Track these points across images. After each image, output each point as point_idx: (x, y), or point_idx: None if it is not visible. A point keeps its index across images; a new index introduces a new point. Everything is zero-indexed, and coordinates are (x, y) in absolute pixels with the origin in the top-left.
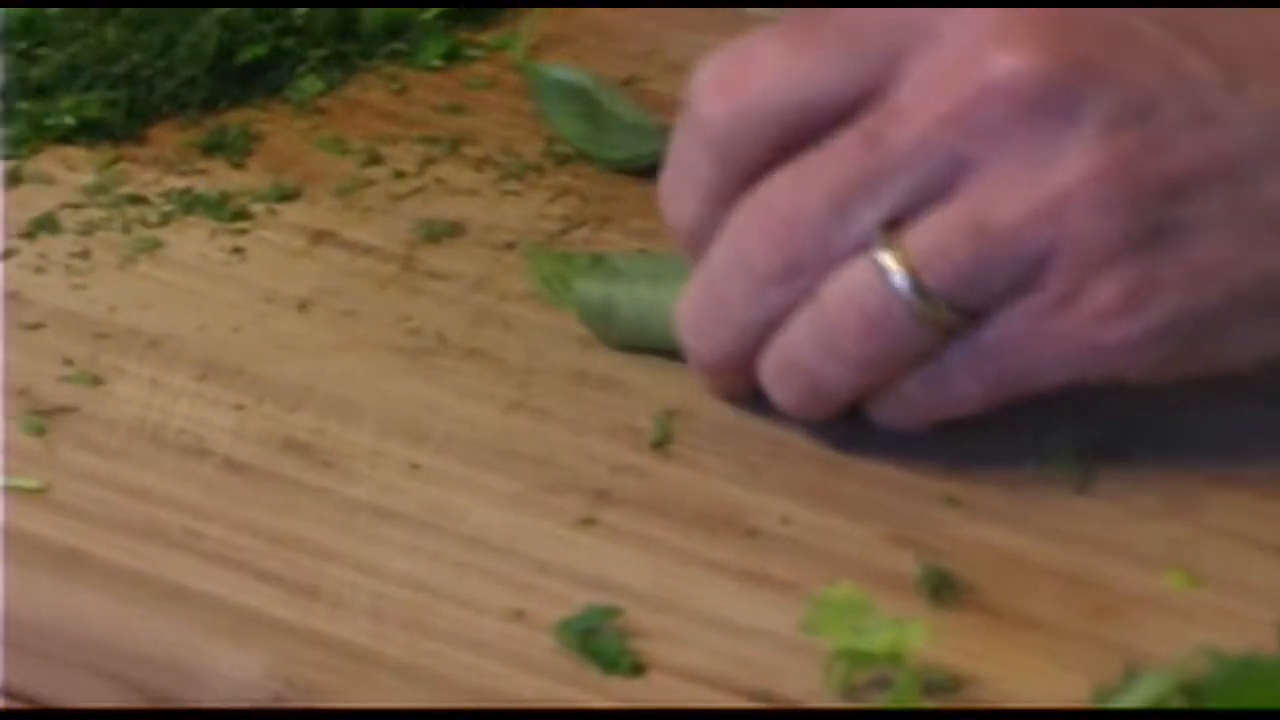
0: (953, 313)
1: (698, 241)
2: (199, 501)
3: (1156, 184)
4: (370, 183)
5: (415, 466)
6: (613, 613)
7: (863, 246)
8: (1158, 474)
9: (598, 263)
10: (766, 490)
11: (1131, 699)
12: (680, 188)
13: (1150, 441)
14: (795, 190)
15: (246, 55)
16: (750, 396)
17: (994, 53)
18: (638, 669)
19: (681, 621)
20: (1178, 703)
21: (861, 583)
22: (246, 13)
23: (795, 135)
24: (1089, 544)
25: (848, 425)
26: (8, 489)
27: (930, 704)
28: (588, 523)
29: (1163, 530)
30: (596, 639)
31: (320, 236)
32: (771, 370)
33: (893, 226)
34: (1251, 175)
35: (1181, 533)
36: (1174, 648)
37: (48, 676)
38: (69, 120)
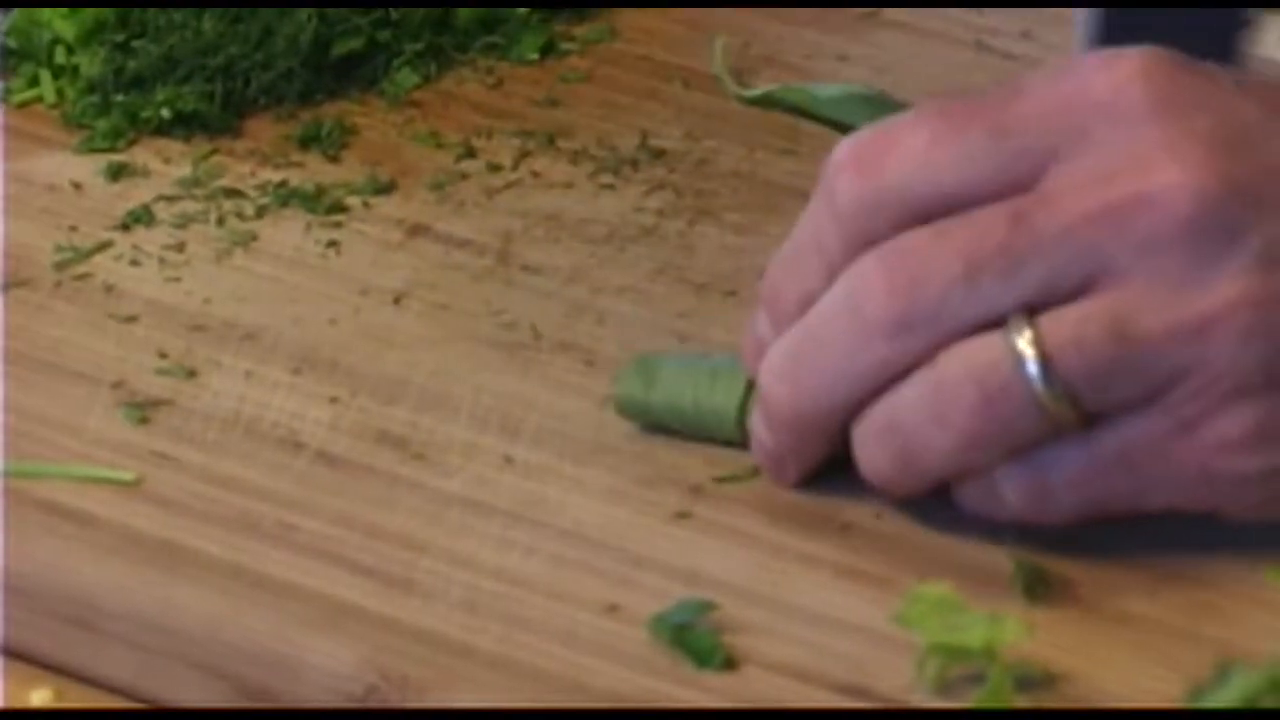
0: (1070, 407)
1: (806, 308)
2: (293, 494)
3: None
4: (465, 176)
5: (509, 460)
6: (706, 607)
7: (989, 322)
8: None
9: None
10: (860, 485)
11: (1224, 696)
12: (800, 258)
13: None
14: (929, 249)
15: (342, 48)
16: (813, 475)
17: (1159, 165)
18: (731, 663)
19: (775, 616)
20: (1271, 700)
21: (955, 578)
22: (343, 6)
23: (927, 220)
24: (1184, 539)
25: None
26: (102, 481)
27: (1023, 700)
28: (682, 516)
29: (1259, 524)
30: (690, 633)
31: (415, 230)
32: (869, 430)
33: (1026, 312)
34: None
35: (1277, 526)
36: (1271, 644)
37: (144, 668)
38: (165, 113)
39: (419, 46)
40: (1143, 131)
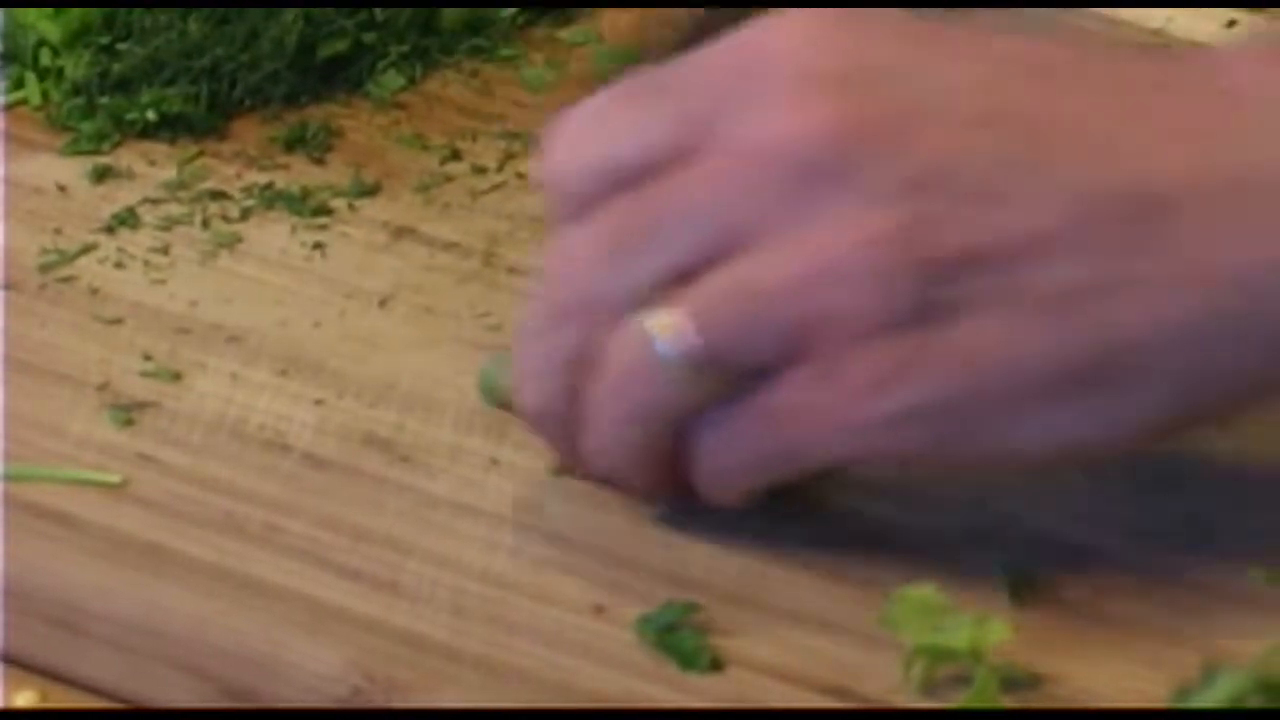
0: (713, 376)
1: None
2: (279, 497)
3: (923, 262)
4: (450, 178)
5: (495, 462)
6: (692, 608)
7: (634, 301)
8: (1238, 468)
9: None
10: (845, 486)
11: (1210, 697)
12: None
13: (1231, 435)
14: (578, 235)
15: (327, 51)
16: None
17: (777, 116)
18: (716, 665)
19: (760, 618)
20: (1257, 701)
21: (941, 579)
22: (328, 7)
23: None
24: (1169, 539)
25: None
26: (88, 484)
27: (1009, 701)
28: (667, 518)
29: (1244, 524)
30: (676, 635)
31: (400, 232)
32: (577, 429)
33: (671, 284)
34: (1029, 260)
35: (1263, 526)
36: (1257, 644)
37: (130, 670)
38: (150, 115)
39: (404, 49)
40: (774, 84)
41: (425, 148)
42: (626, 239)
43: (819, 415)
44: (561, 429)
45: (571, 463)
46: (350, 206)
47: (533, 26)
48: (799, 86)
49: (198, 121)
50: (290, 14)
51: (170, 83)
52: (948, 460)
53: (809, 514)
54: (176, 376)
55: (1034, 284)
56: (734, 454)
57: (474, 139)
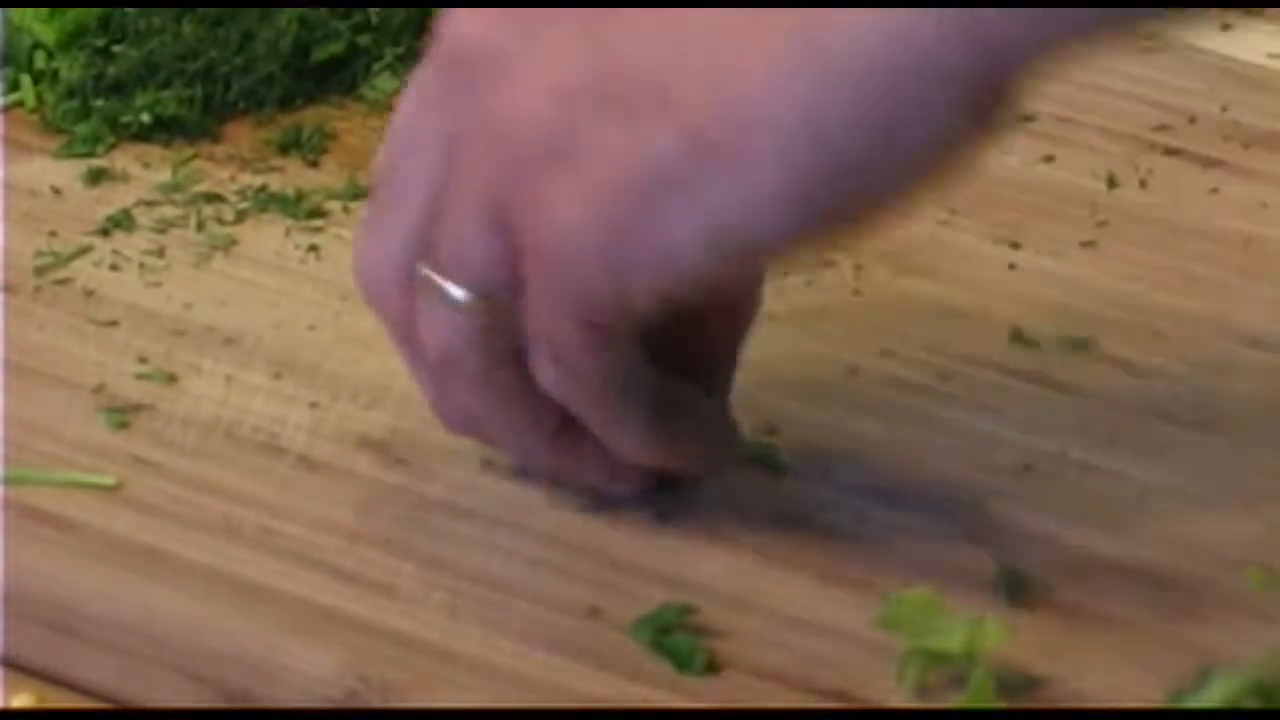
0: (489, 302)
1: None
2: (274, 499)
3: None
4: None
5: (489, 464)
6: (688, 611)
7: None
8: (1234, 470)
9: None
10: (842, 489)
11: (1204, 700)
12: None
13: (1227, 439)
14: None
15: (322, 53)
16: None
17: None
18: (712, 667)
19: (756, 620)
20: (1252, 704)
21: (936, 581)
22: (323, 10)
23: None
24: (1165, 543)
25: (921, 424)
26: (83, 487)
27: (1005, 703)
28: (663, 520)
29: (1240, 528)
30: (671, 637)
31: None
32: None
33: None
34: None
35: (1259, 530)
36: (1252, 648)
37: (126, 673)
38: (145, 118)
39: (399, 51)
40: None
41: None
42: (375, 216)
43: (557, 289)
44: (476, 430)
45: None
46: (345, 209)
47: None
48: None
49: (192, 124)
50: (285, 17)
51: (165, 85)
52: (645, 284)
53: (805, 516)
54: (171, 379)
55: (659, 100)
56: (548, 369)
57: None
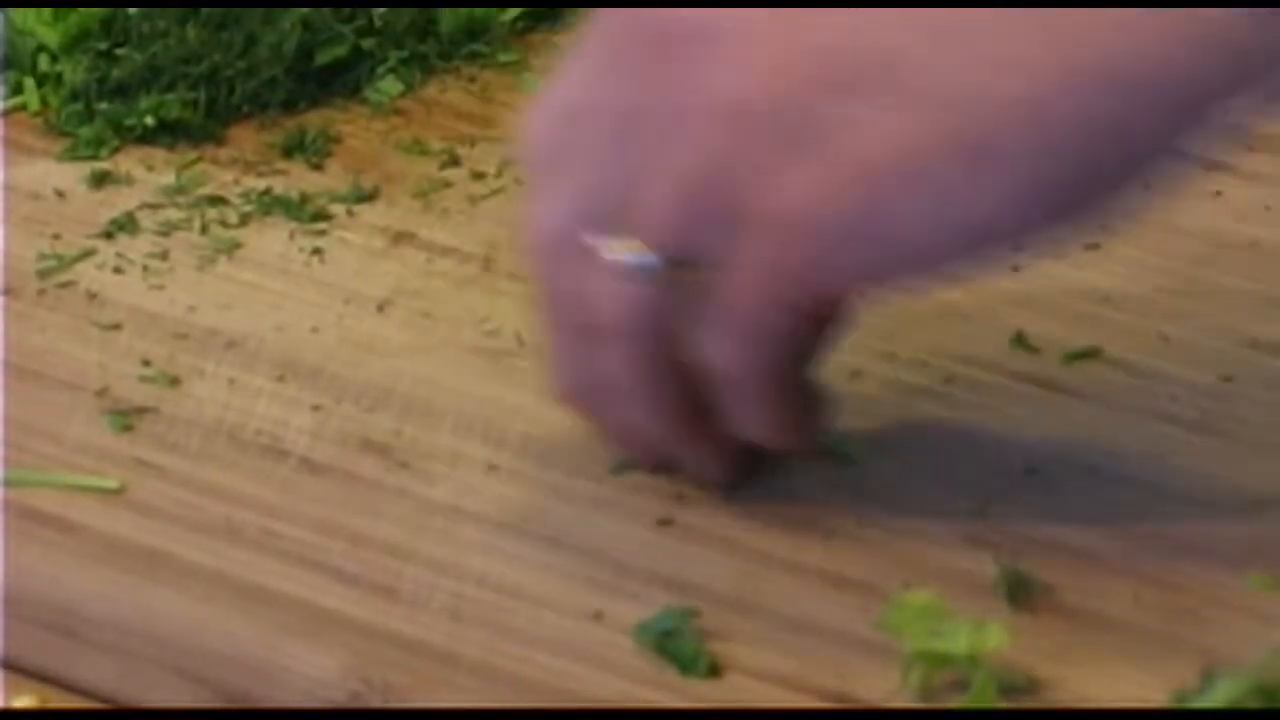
0: (689, 268)
1: None
2: (277, 502)
3: (789, 91)
4: (449, 184)
5: (493, 467)
6: (690, 614)
7: (590, 234)
8: (1236, 474)
9: None
10: (843, 491)
11: (1208, 702)
12: None
13: (1229, 442)
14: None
15: (326, 56)
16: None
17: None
18: (715, 670)
19: (759, 623)
20: (1254, 706)
21: (938, 584)
22: (326, 13)
23: None
24: (1167, 545)
25: (922, 426)
26: (86, 489)
27: (1007, 706)
28: (665, 523)
29: (1242, 531)
30: (674, 640)
31: (399, 238)
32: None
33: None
34: (889, 72)
35: (1261, 533)
36: (1255, 650)
37: (127, 675)
38: (149, 121)
39: (403, 54)
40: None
41: (424, 153)
42: (540, 189)
43: (776, 268)
44: (592, 401)
45: (618, 439)
46: (348, 212)
47: (531, 32)
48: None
49: (196, 127)
50: (288, 20)
51: (169, 89)
52: (877, 272)
53: (807, 519)
54: (174, 382)
55: (898, 86)
56: (723, 344)
57: (473, 145)
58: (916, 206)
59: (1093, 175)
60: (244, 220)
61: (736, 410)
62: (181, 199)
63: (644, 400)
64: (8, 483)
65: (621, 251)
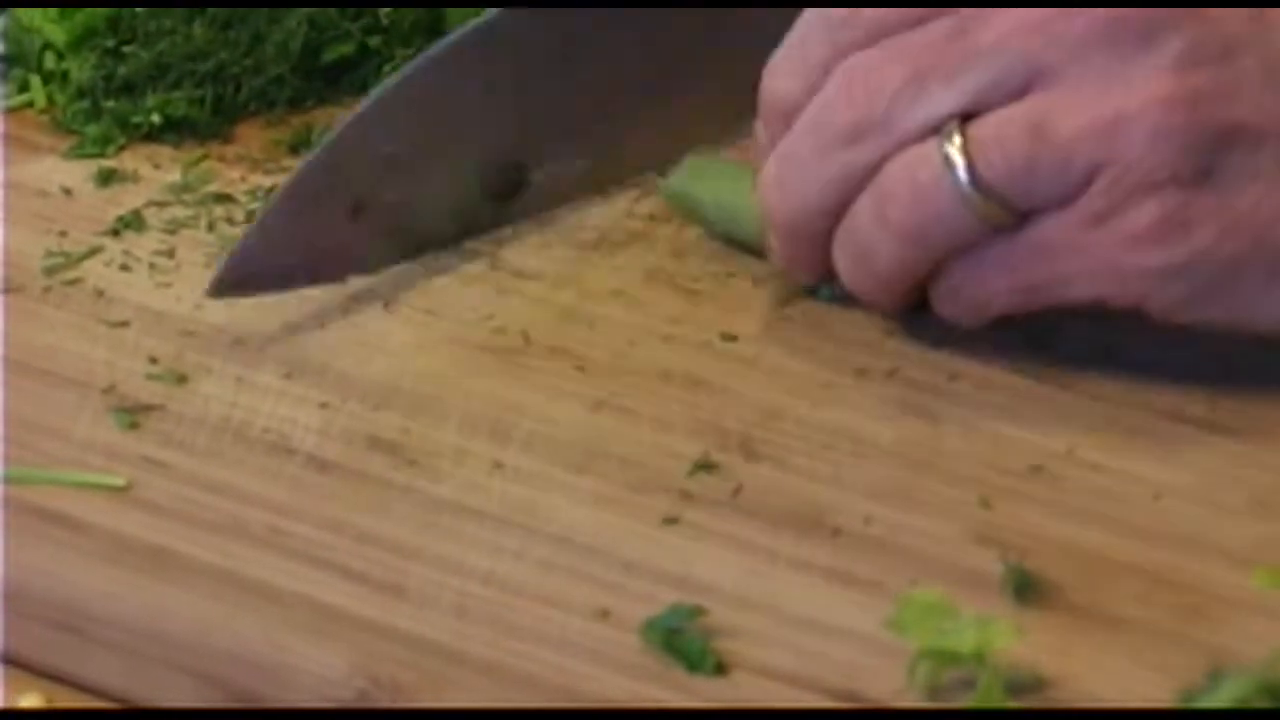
0: (998, 206)
1: (793, 117)
2: (284, 500)
3: (1217, 127)
4: None
5: (499, 465)
6: (697, 612)
7: (930, 128)
8: (1243, 471)
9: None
10: (850, 490)
11: (1214, 700)
12: (790, 63)
13: (1234, 439)
14: (882, 61)
15: (332, 54)
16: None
17: None
18: (722, 668)
19: (766, 621)
20: (1261, 704)
21: (945, 582)
22: (333, 11)
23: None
24: (1174, 542)
25: (929, 423)
26: (92, 487)
27: (1014, 704)
28: (672, 522)
29: (1249, 528)
30: (681, 638)
31: None
32: (837, 239)
33: (965, 119)
34: None
35: (1268, 531)
36: (1261, 648)
37: (134, 674)
38: (155, 118)
39: (409, 52)
40: None
41: None
42: (932, 69)
43: (1091, 254)
44: (812, 241)
45: (808, 275)
46: None
47: None
48: None
49: (202, 125)
50: (295, 18)
51: (175, 86)
52: (1184, 317)
53: (813, 517)
54: (182, 379)
55: None
56: (1001, 279)
57: None
58: (1273, 289)
59: None
60: (250, 218)
61: (954, 311)
62: (188, 197)
63: (879, 269)
64: (14, 480)
65: (959, 156)
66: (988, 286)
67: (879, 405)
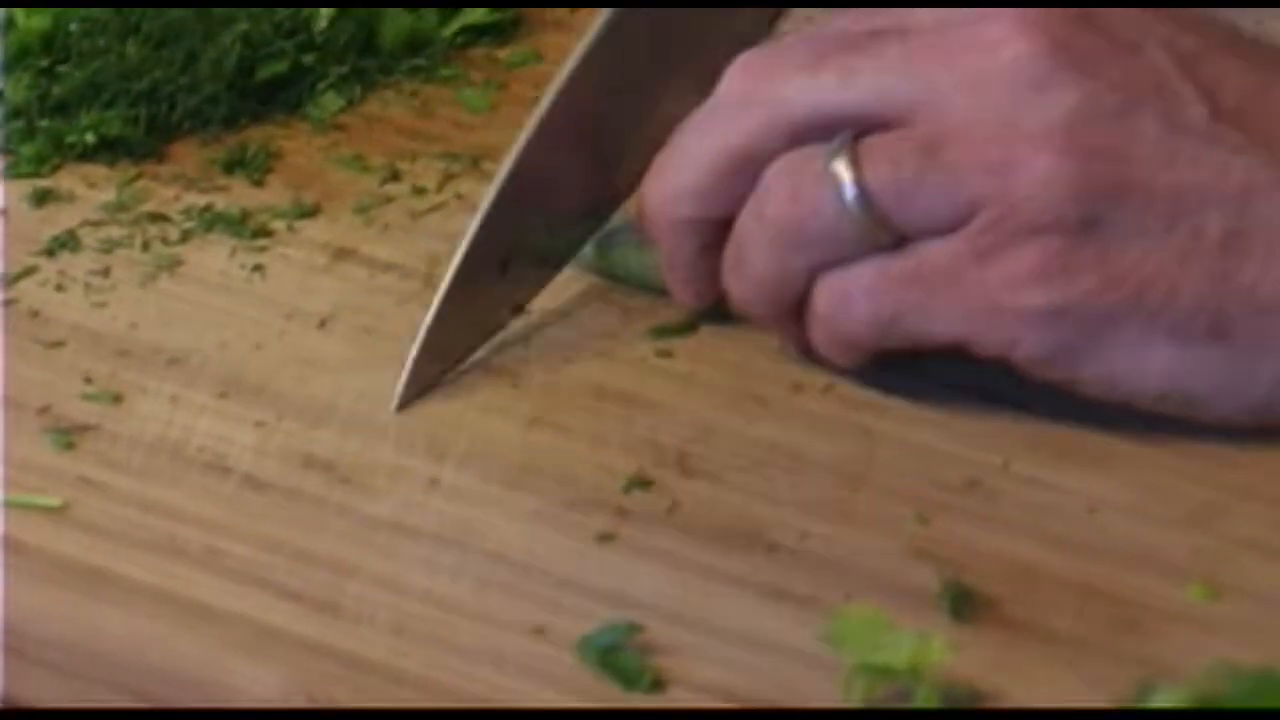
0: (878, 222)
1: None
2: (220, 519)
3: (1107, 182)
4: (390, 199)
5: (435, 483)
6: (633, 629)
7: (815, 118)
8: (1178, 484)
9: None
10: (785, 505)
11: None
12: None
13: (1169, 452)
14: (790, 45)
15: (266, 72)
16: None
17: (999, 20)
18: (658, 685)
19: (701, 637)
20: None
21: (881, 597)
22: (267, 29)
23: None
24: (1109, 556)
25: (864, 439)
26: (29, 508)
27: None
28: (607, 539)
29: (1184, 541)
30: (617, 655)
31: (340, 253)
32: (726, 250)
33: (857, 138)
34: (1199, 209)
35: (1203, 543)
36: (1196, 661)
37: (73, 695)
38: (90, 138)
39: (343, 70)
40: (1000, 13)
41: (365, 169)
42: (831, 61)
43: (966, 288)
44: (689, 234)
45: (692, 290)
46: (290, 228)
47: (472, 47)
48: (1025, 15)
49: (137, 144)
50: (229, 36)
51: (109, 106)
52: (1052, 369)
53: (749, 532)
54: (117, 399)
55: (1198, 230)
56: (871, 304)
57: (414, 160)
58: (1136, 349)
59: None
60: (185, 237)
61: (824, 339)
62: (123, 216)
63: (755, 277)
64: None
65: (848, 171)
66: (852, 311)
67: (814, 421)
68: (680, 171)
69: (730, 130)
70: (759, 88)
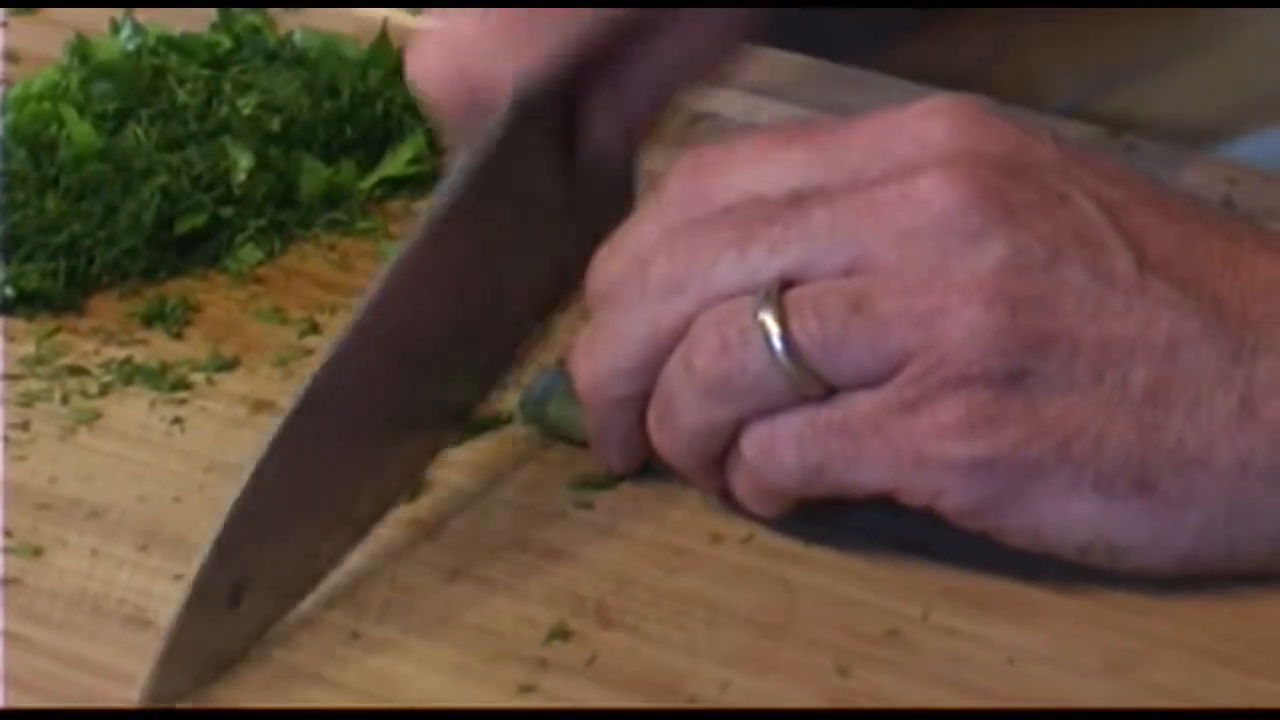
0: (807, 374)
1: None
2: (140, 672)
3: (1034, 333)
4: (309, 352)
5: (355, 635)
6: None
7: (746, 290)
8: (1096, 632)
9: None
10: (705, 657)
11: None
12: (618, 245)
13: (1088, 599)
14: (710, 224)
15: (185, 225)
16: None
17: (928, 171)
18: None
19: None
20: None
21: None
22: (185, 182)
23: None
24: (1028, 706)
25: (785, 591)
26: None
27: None
28: (528, 690)
29: (1102, 689)
30: None
31: (260, 406)
32: (651, 403)
33: (784, 287)
34: (1125, 360)
35: (1121, 691)
36: None
37: None
38: (8, 291)
39: (261, 223)
40: (928, 148)
41: (284, 322)
42: (759, 235)
43: (893, 439)
44: (619, 410)
45: (619, 456)
46: (209, 381)
47: (390, 199)
48: (955, 165)
49: (56, 297)
50: (148, 189)
51: (28, 259)
52: (978, 520)
53: (668, 685)
54: (37, 552)
55: (1125, 381)
56: (798, 453)
57: (333, 312)
58: (1060, 501)
59: (1261, 523)
60: (105, 390)
61: (749, 492)
62: (42, 369)
63: (682, 430)
64: None
65: (774, 324)
66: (779, 460)
67: (734, 572)
68: (612, 353)
69: (661, 311)
70: (689, 270)
